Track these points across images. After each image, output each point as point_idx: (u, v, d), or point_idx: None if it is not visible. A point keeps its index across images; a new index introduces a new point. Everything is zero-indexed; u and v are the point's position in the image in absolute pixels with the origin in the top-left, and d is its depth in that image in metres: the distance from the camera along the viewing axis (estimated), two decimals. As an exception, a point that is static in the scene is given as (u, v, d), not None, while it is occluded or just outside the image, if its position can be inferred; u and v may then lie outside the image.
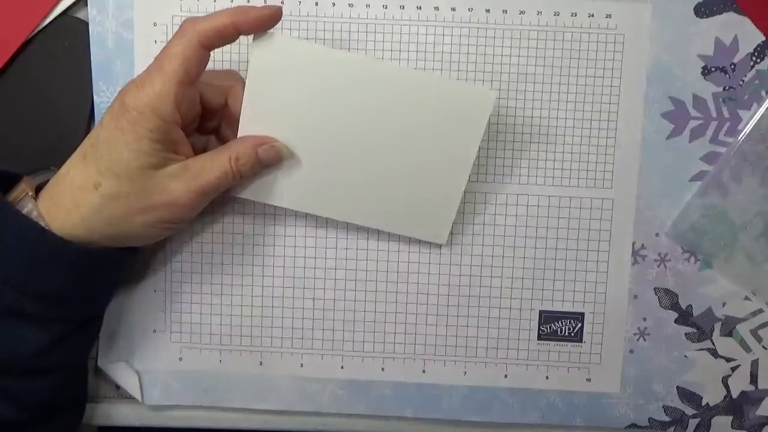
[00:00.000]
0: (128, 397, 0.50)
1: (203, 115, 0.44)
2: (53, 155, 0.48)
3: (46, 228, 0.39)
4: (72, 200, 0.39)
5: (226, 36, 0.39)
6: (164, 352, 0.50)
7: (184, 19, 0.40)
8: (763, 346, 0.49)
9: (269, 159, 0.42)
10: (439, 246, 0.48)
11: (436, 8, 0.47)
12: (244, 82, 0.42)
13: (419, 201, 0.45)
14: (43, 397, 0.42)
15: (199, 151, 0.43)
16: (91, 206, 0.39)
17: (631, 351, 0.49)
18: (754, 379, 0.49)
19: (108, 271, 0.43)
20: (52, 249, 0.39)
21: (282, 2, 0.47)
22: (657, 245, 0.48)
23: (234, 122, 0.43)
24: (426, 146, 0.43)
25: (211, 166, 0.41)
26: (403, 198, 0.45)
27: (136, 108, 0.38)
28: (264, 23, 0.40)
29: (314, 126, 0.43)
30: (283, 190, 0.44)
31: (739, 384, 0.49)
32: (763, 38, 0.47)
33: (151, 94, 0.38)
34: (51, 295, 0.39)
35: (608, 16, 0.47)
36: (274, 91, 0.42)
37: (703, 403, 0.50)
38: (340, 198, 0.44)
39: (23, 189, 0.40)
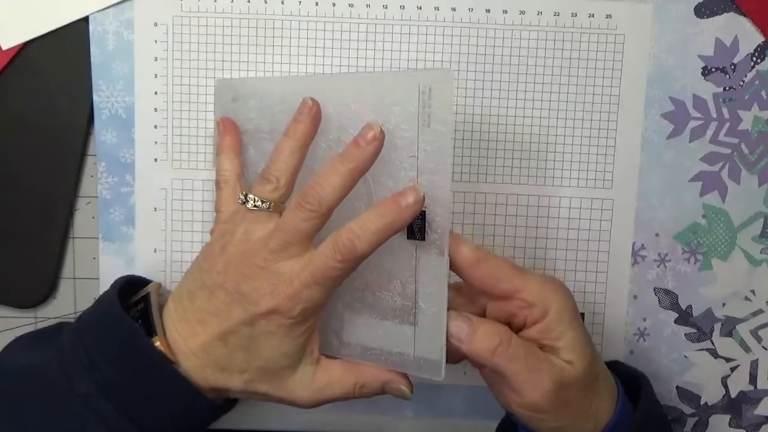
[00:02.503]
0: (128, 397, 0.50)
1: None
2: (53, 155, 0.48)
3: (203, 397, 0.39)
4: (214, 375, 0.39)
5: None
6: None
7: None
8: (762, 347, 0.49)
9: (393, 395, 0.41)
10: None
11: (437, 8, 0.47)
12: None
13: None
14: None
15: None
16: (232, 384, 0.39)
17: (631, 351, 0.49)
18: (753, 379, 0.49)
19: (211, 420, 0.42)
20: (190, 402, 0.39)
21: (282, 2, 0.47)
22: (657, 245, 0.48)
23: None
24: None
25: (337, 385, 0.40)
26: None
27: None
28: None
29: None
30: None
31: (738, 384, 0.49)
32: (763, 38, 0.47)
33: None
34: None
35: (608, 16, 0.47)
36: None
37: (702, 402, 0.50)
38: None
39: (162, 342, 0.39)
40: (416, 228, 0.39)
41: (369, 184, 0.40)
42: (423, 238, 0.38)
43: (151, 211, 0.49)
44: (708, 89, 0.47)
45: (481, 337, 0.37)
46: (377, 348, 0.41)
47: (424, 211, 0.38)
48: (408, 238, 0.39)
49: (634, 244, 0.48)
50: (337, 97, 0.40)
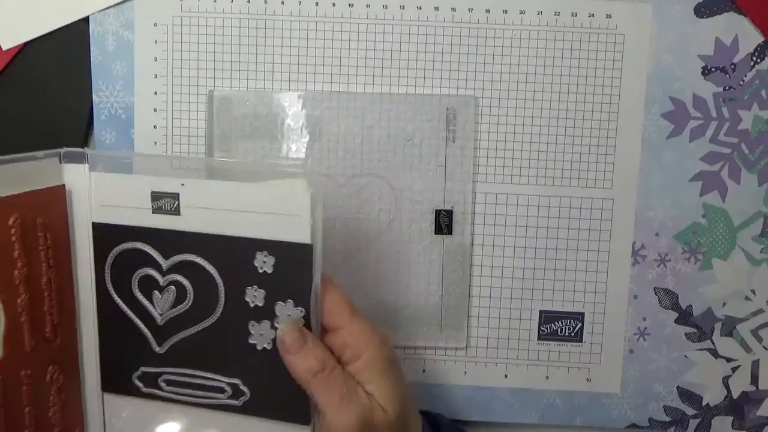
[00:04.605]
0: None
1: None
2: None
3: None
4: None
5: None
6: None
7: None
8: (763, 347, 0.49)
9: None
10: (441, 245, 0.48)
11: (437, 8, 0.47)
12: None
13: None
14: None
15: None
16: None
17: (631, 351, 0.49)
18: (754, 379, 0.49)
19: None
20: None
21: (282, 2, 0.47)
22: (657, 245, 0.48)
23: None
24: None
25: None
26: None
27: None
28: None
29: None
30: None
31: (740, 384, 0.49)
32: (763, 38, 0.47)
33: None
34: None
35: (608, 16, 0.47)
36: None
37: (704, 403, 0.50)
38: None
39: None
40: (444, 225, 0.47)
41: (393, 189, 0.47)
42: (450, 233, 0.47)
43: (150, 211, 0.49)
44: (708, 89, 0.47)
45: (308, 356, 0.37)
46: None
47: (451, 210, 0.47)
48: (436, 233, 0.47)
49: (634, 244, 0.48)
50: (369, 110, 0.47)
